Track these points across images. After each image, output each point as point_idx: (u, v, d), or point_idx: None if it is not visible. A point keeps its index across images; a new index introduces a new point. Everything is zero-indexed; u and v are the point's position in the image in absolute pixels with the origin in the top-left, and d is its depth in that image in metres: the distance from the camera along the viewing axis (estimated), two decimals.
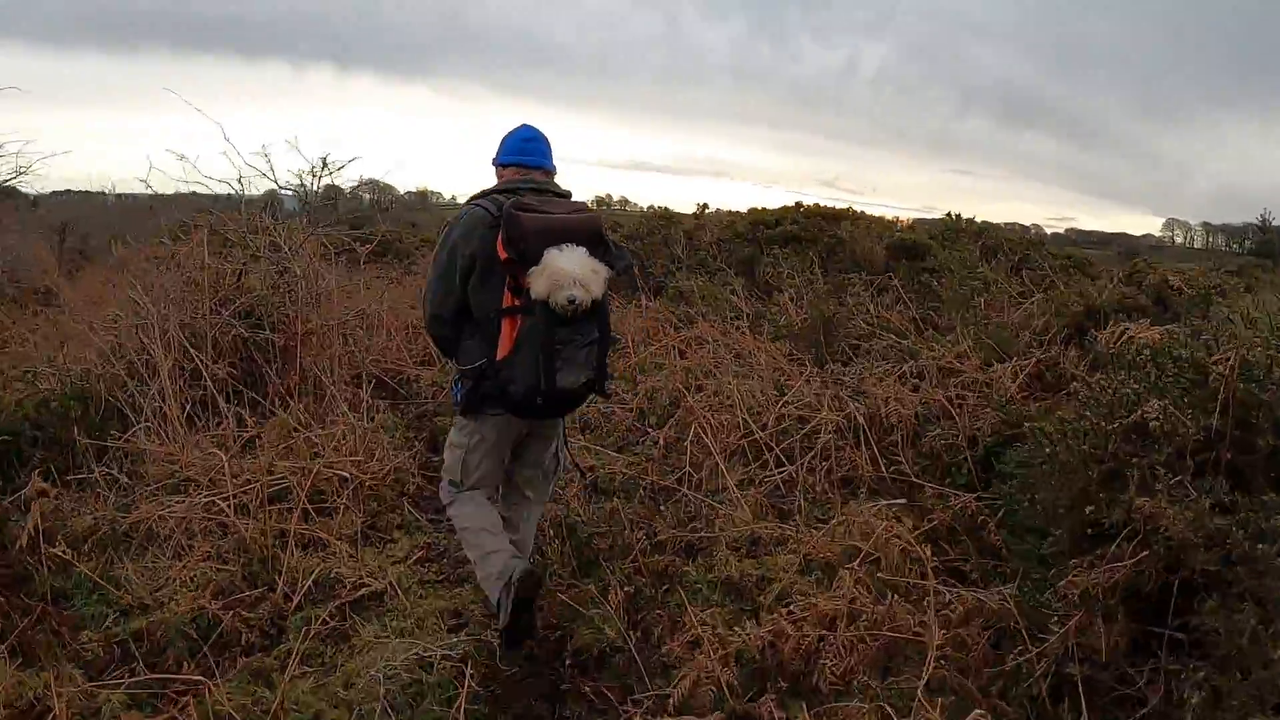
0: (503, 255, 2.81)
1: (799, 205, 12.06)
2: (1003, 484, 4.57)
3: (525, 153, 3.17)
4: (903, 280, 10.96)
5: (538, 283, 2.75)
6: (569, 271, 2.74)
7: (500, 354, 2.86)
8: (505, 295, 2.87)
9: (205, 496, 4.67)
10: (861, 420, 5.09)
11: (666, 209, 12.20)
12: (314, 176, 6.23)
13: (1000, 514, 4.24)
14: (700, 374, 6.79)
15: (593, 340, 2.92)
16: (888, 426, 5.26)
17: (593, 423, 6.28)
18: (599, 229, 2.99)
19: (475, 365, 2.96)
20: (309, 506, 4.61)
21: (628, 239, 12.08)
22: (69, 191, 20.66)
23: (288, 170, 6.26)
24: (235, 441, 5.16)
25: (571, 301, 2.74)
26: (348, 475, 4.89)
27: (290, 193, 6.19)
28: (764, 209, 12.29)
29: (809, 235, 11.10)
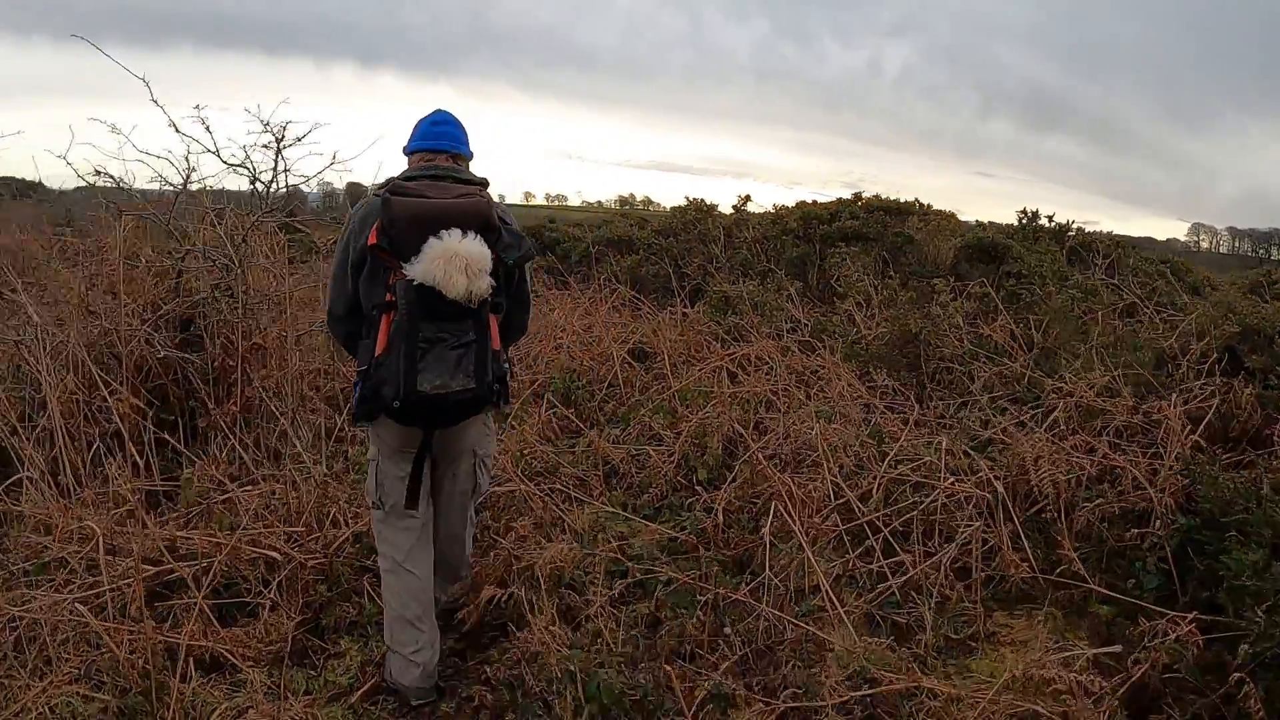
0: (371, 240, 2.56)
1: (857, 197, 10.51)
2: (1230, 599, 3.09)
3: (429, 136, 2.92)
4: (982, 287, 9.45)
5: (418, 267, 2.50)
6: (460, 250, 2.50)
7: (377, 351, 2.62)
8: (385, 289, 2.61)
9: (77, 587, 3.32)
10: (1000, 488, 3.61)
11: (701, 200, 10.68)
12: (274, 149, 4.82)
13: (1249, 659, 2.75)
14: (759, 405, 5.34)
15: (467, 342, 2.62)
16: (1033, 496, 3.79)
17: (619, 469, 4.85)
18: (485, 214, 2.66)
19: (363, 368, 2.69)
20: (212, 605, 3.24)
21: (659, 234, 10.61)
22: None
23: (233, 142, 4.84)
24: (136, 501, 3.78)
25: (454, 288, 2.50)
26: (278, 556, 3.49)
27: (247, 174, 4.80)
28: (815, 202, 10.77)
29: (871, 232, 9.56)
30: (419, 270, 2.53)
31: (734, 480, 4.06)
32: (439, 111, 3.00)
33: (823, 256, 9.83)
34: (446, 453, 3.00)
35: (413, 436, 2.83)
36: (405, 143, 2.98)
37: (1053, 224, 11.88)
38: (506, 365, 2.87)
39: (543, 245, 14.66)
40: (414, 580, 2.93)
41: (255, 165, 4.78)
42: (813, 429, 4.15)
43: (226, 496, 3.76)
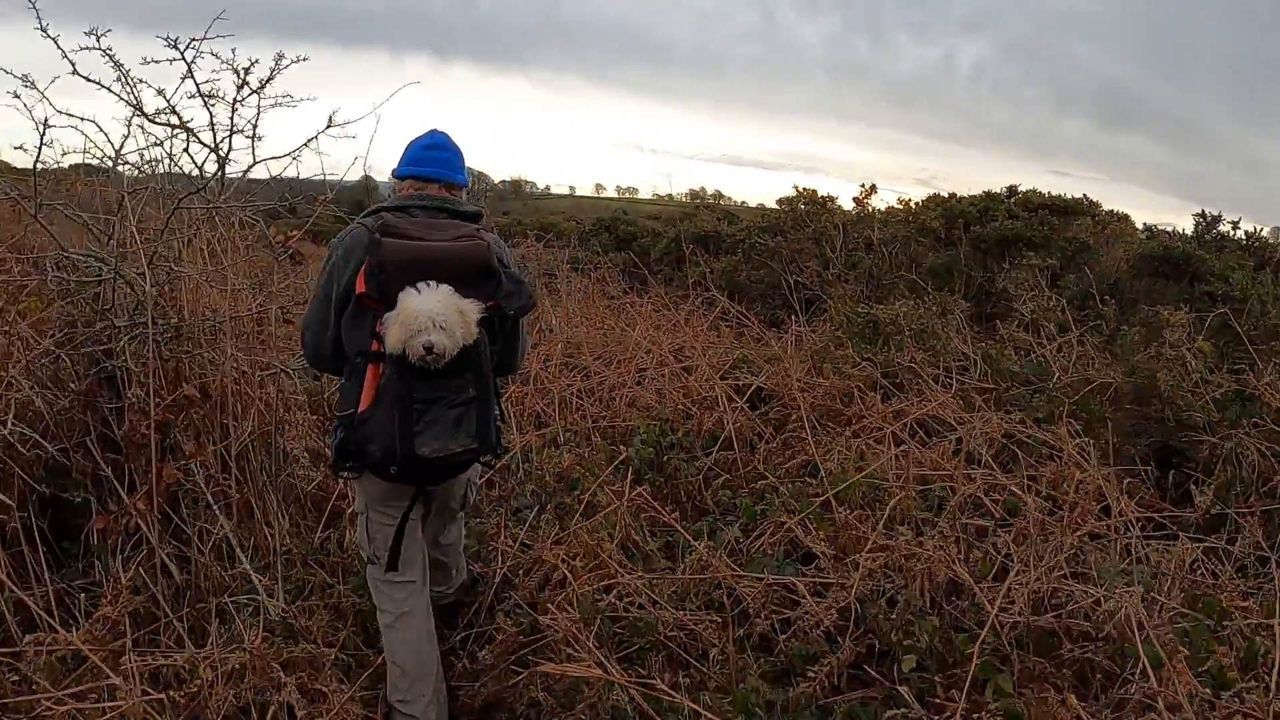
0: (359, 289, 2.30)
1: (1012, 191, 8.44)
2: None
3: (423, 162, 2.61)
4: (1172, 310, 7.34)
5: (391, 332, 2.24)
6: (423, 311, 2.21)
7: (362, 407, 2.33)
8: (370, 337, 2.34)
9: None
10: None
11: (813, 192, 8.75)
12: (236, 99, 3.13)
13: None
14: (965, 511, 3.45)
15: (467, 399, 2.34)
16: None
17: (750, 611, 3.04)
18: (484, 260, 2.38)
19: (346, 414, 2.39)
20: None
21: (763, 232, 8.70)
22: None
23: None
24: None
25: (429, 349, 2.20)
26: None
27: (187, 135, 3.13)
28: (959, 196, 8.70)
29: (1037, 236, 7.51)
30: (389, 341, 2.24)
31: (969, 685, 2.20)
32: (434, 133, 2.71)
33: (978, 265, 7.80)
34: (438, 497, 2.78)
35: (400, 489, 2.57)
36: (395, 165, 2.69)
37: (1237, 230, 9.62)
38: (498, 414, 2.58)
39: (618, 240, 12.95)
40: (415, 633, 2.66)
41: (215, 128, 3.09)
42: (1118, 603, 2.26)
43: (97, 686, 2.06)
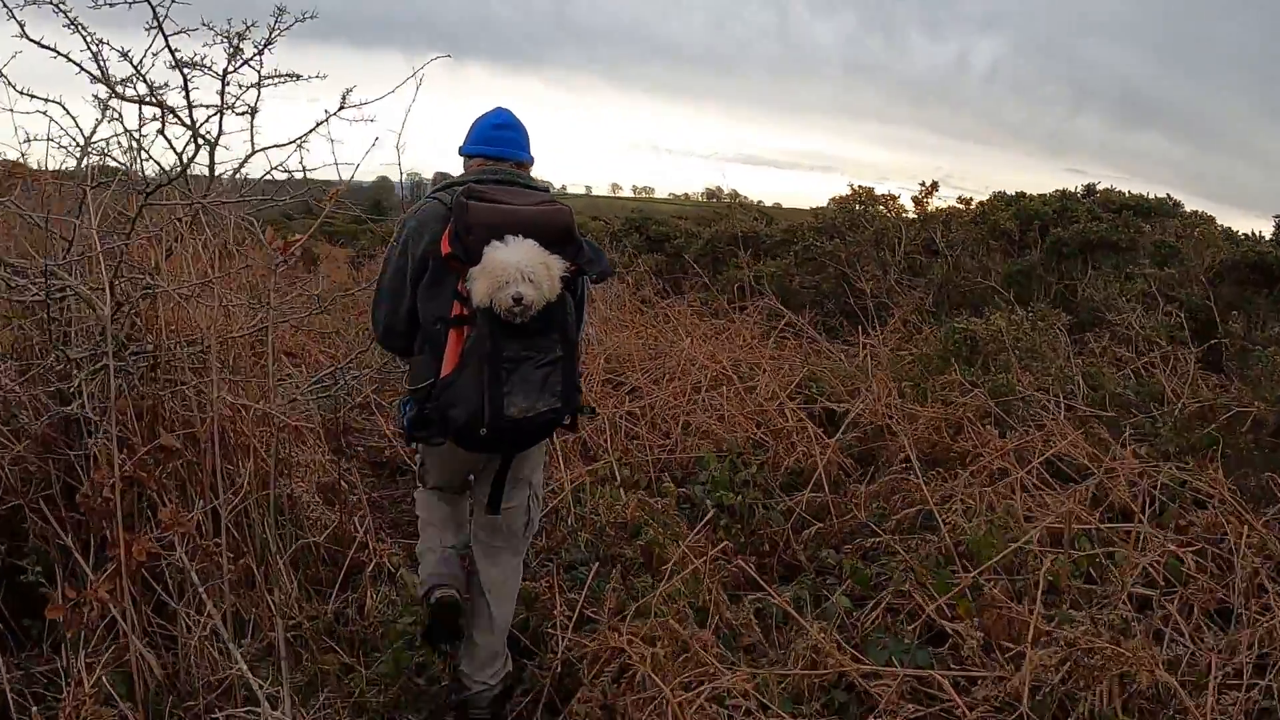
0: (444, 250, 2.28)
1: (1090, 190, 7.70)
2: None
3: (494, 141, 2.60)
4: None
5: (477, 284, 2.20)
6: (510, 263, 2.18)
7: (444, 371, 2.30)
8: (453, 302, 2.31)
9: None
10: None
11: (869, 190, 8.04)
12: (228, 70, 2.49)
13: None
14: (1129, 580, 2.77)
15: (554, 359, 2.30)
16: None
17: None
18: (568, 225, 2.38)
19: (423, 385, 2.37)
20: None
21: (819, 233, 8.00)
22: None
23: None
24: None
25: (517, 301, 2.17)
26: None
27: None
28: (1030, 195, 7.95)
29: (1123, 240, 6.78)
30: (476, 293, 2.20)
31: None
32: (501, 111, 2.66)
33: (1053, 270, 7.08)
34: (510, 479, 2.60)
35: (471, 462, 2.60)
36: (461, 143, 2.66)
37: None
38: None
39: (648, 241, 12.29)
40: (433, 521, 2.76)
41: (193, 104, 2.44)
42: None
43: None
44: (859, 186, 8.16)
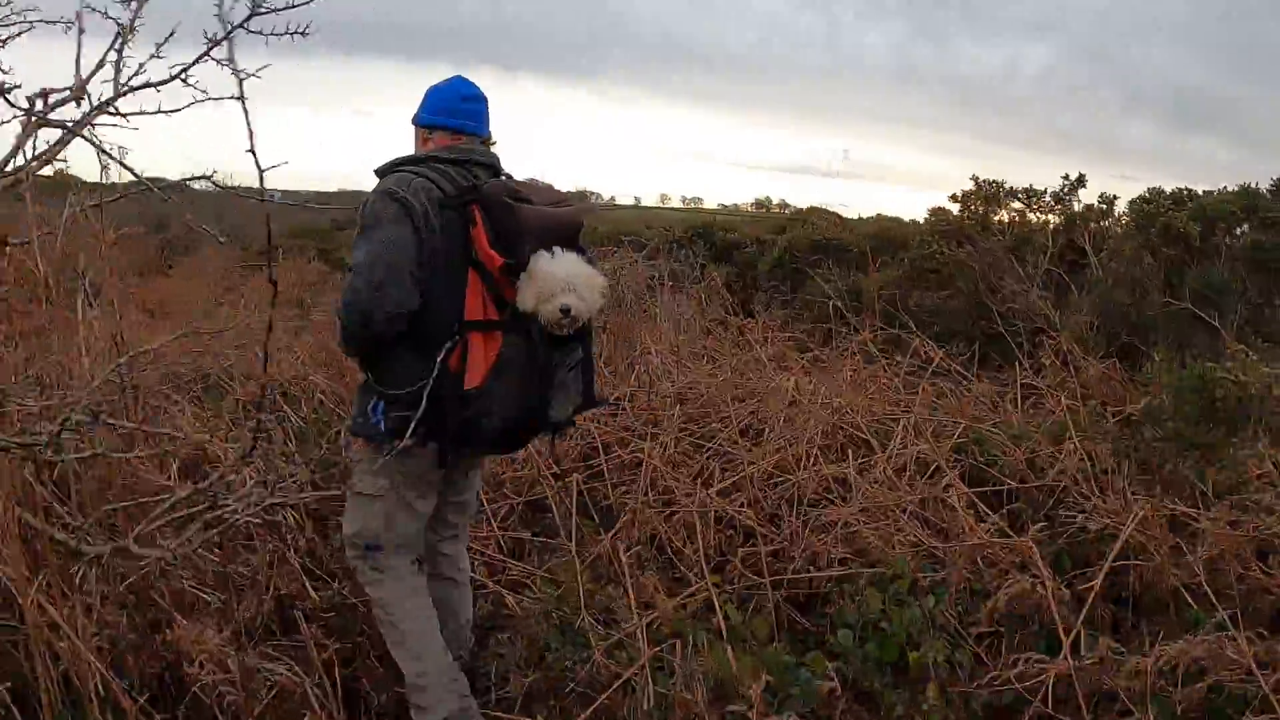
0: (497, 260, 2.16)
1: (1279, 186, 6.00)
2: None
3: (460, 114, 2.42)
4: None
5: (525, 294, 2.17)
6: (560, 275, 2.18)
7: (472, 380, 2.20)
8: (476, 304, 2.22)
9: None
10: None
11: (999, 184, 6.46)
12: None
13: None
14: None
15: (579, 360, 2.32)
16: None
17: None
18: (581, 226, 2.39)
19: (414, 388, 2.17)
20: None
21: (940, 238, 6.44)
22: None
23: None
24: None
25: (565, 313, 2.17)
26: None
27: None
28: (1208, 192, 6.30)
29: None
30: (525, 301, 2.17)
31: None
32: (462, 80, 2.48)
33: (1243, 284, 5.43)
34: (470, 471, 2.62)
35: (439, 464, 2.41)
36: (417, 112, 2.46)
37: None
38: None
39: (714, 250, 10.80)
40: (425, 610, 2.41)
41: None
42: None
43: None
44: (985, 179, 6.58)
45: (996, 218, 6.56)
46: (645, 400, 4.30)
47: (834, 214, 13.05)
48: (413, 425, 2.15)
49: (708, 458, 3.70)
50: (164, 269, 13.10)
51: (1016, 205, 6.46)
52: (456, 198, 2.21)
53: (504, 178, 2.34)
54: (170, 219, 14.37)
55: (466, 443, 2.28)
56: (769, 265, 9.22)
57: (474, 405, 2.17)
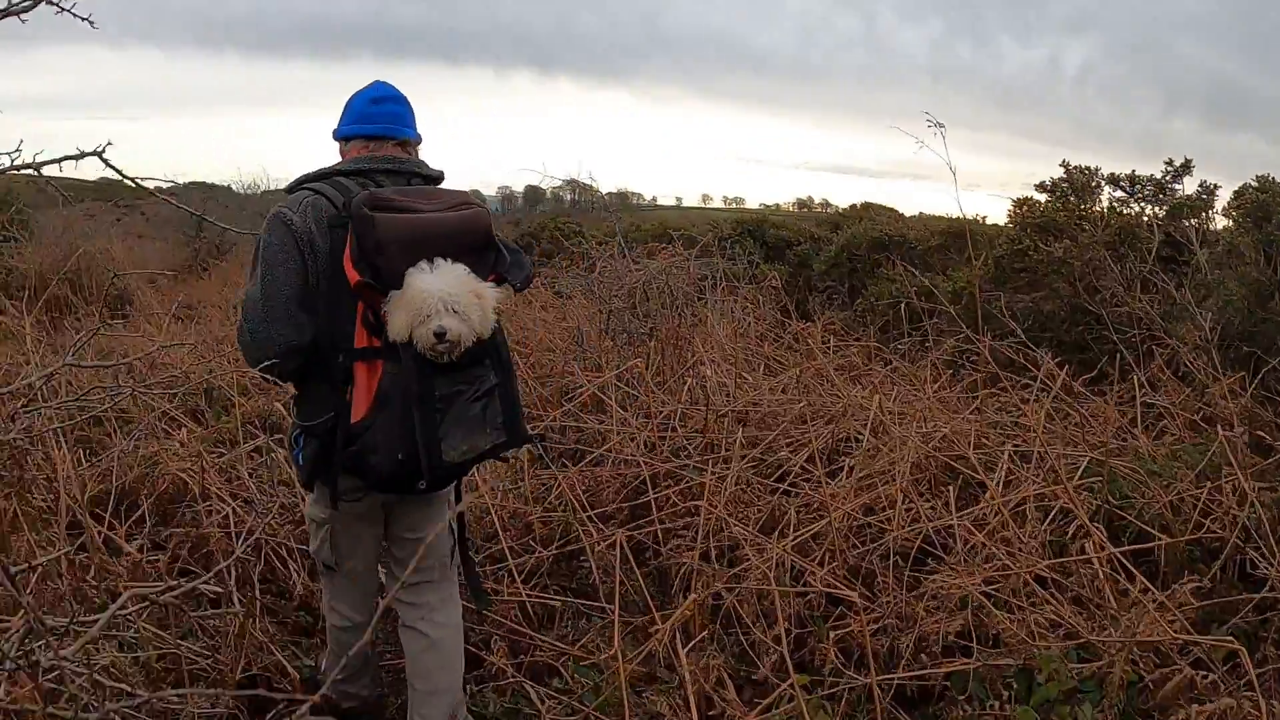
0: (353, 278, 1.92)
1: None
2: None
3: (371, 118, 2.21)
4: None
5: (395, 317, 1.92)
6: (434, 292, 1.90)
7: (356, 414, 1.98)
8: (362, 331, 1.99)
9: None
10: None
11: (1091, 170, 5.72)
12: None
13: None
14: None
15: (490, 389, 2.04)
16: None
17: None
18: (488, 228, 2.12)
19: (322, 420, 2.02)
20: None
21: (1039, 232, 5.72)
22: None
23: None
24: None
25: (440, 337, 1.90)
26: None
27: None
28: None
29: None
30: (394, 327, 1.92)
31: None
32: (379, 84, 2.27)
33: None
34: (425, 507, 2.28)
35: (387, 502, 2.20)
36: (335, 126, 2.26)
37: None
38: None
39: (766, 248, 10.11)
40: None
41: None
42: None
43: None
44: (1076, 165, 5.83)
45: (1093, 208, 5.81)
46: (700, 420, 3.71)
47: (889, 209, 12.31)
48: (318, 464, 2.04)
49: (778, 495, 3.10)
50: (199, 271, 12.84)
51: (1118, 194, 5.72)
52: (341, 213, 2.01)
53: (414, 183, 2.13)
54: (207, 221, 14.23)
55: (373, 485, 2.04)
56: (825, 264, 8.53)
57: (361, 442, 1.96)
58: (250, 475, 3.16)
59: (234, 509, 2.86)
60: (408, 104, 2.27)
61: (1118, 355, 5.02)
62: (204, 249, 14.40)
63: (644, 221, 13.60)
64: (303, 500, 2.60)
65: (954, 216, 9.87)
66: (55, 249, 8.10)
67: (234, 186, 17.68)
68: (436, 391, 1.96)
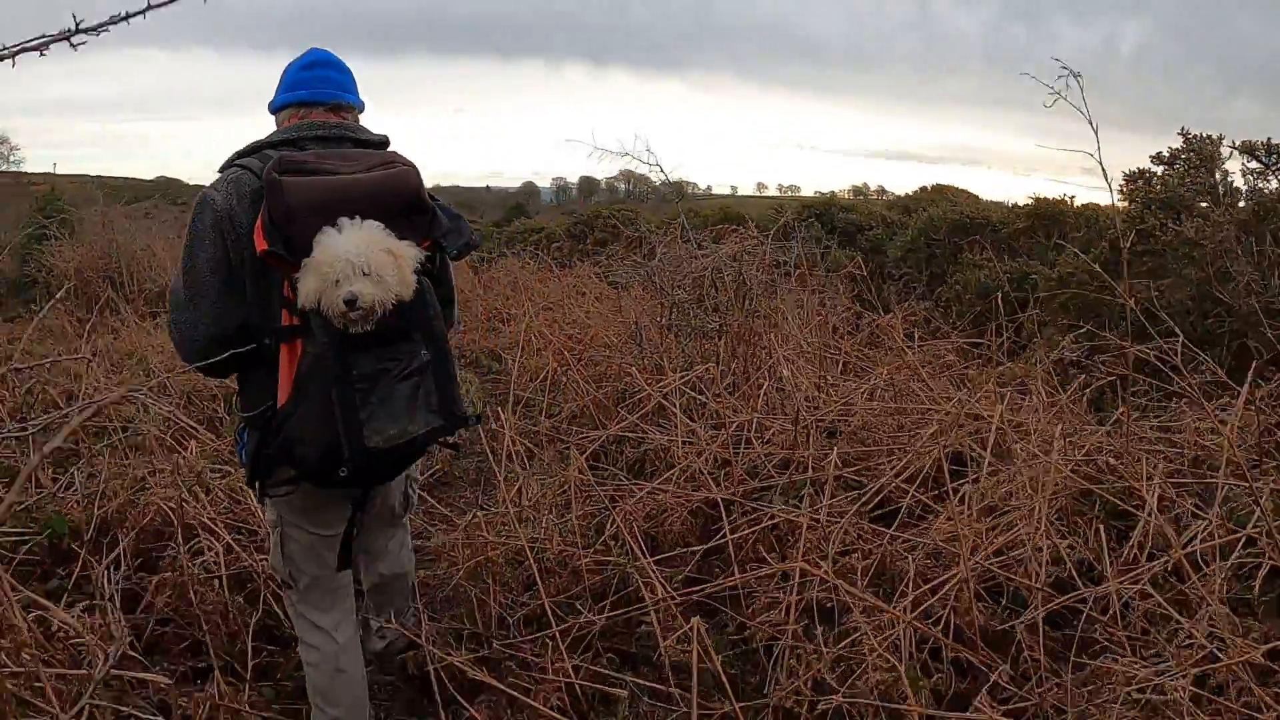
0: (260, 246, 1.75)
1: None
2: None
3: (302, 84, 2.03)
4: None
5: (303, 283, 1.73)
6: (341, 254, 1.70)
7: (280, 399, 1.81)
8: (283, 309, 1.81)
9: None
10: None
11: (1211, 137, 4.97)
12: None
13: None
14: None
15: (420, 365, 1.84)
16: None
17: None
18: (416, 189, 1.90)
19: (261, 409, 1.89)
20: None
21: (1163, 209, 5.01)
22: None
23: None
24: None
25: (350, 304, 1.70)
26: None
27: None
28: None
29: None
30: (303, 294, 1.73)
31: None
32: (312, 50, 2.10)
33: None
34: (374, 502, 2.16)
35: (334, 496, 2.00)
36: (270, 99, 2.10)
37: None
38: None
39: (835, 233, 9.43)
40: (353, 668, 2.10)
41: None
42: None
43: None
44: (1196, 134, 5.07)
45: (1221, 180, 5.05)
46: (780, 431, 3.16)
47: (964, 192, 11.52)
48: (257, 458, 1.89)
49: (890, 541, 2.52)
50: None
51: (1254, 165, 4.95)
52: (263, 187, 1.82)
53: (344, 147, 1.94)
54: None
55: (306, 478, 1.86)
56: (901, 249, 7.85)
57: (284, 430, 1.80)
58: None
59: (230, 543, 2.41)
60: (343, 68, 2.10)
61: (1254, 351, 4.32)
62: None
63: (702, 208, 13.03)
64: None
65: (1038, 198, 9.08)
66: (95, 246, 7.92)
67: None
68: (355, 370, 1.77)
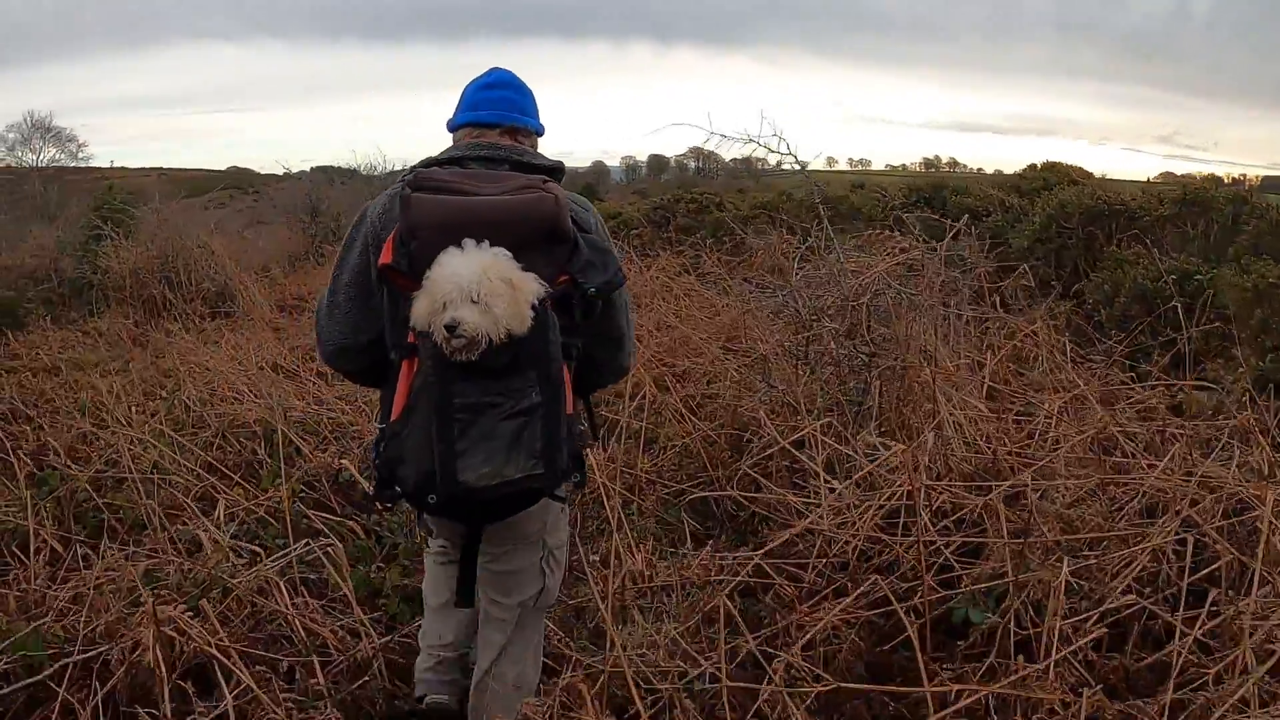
0: (384, 259, 1.76)
1: None
2: None
3: (478, 105, 2.05)
4: None
5: (417, 304, 1.72)
6: (452, 277, 1.66)
7: (393, 415, 1.81)
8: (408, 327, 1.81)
9: None
10: None
11: None
12: None
13: None
14: None
15: (528, 407, 1.72)
16: None
17: None
18: (552, 219, 1.77)
19: (384, 425, 1.90)
20: None
21: None
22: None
23: None
24: None
25: (451, 330, 1.64)
26: None
27: None
28: None
29: None
30: (414, 316, 1.72)
31: None
32: (494, 70, 2.12)
33: None
34: (498, 540, 2.03)
35: (446, 524, 2.11)
36: (450, 117, 2.13)
37: None
38: (582, 429, 1.98)
39: (946, 219, 8.50)
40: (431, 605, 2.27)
41: None
42: None
43: None
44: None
45: None
46: (954, 502, 2.42)
47: (1077, 169, 10.41)
48: (377, 475, 1.85)
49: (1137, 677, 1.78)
50: (316, 258, 12.30)
51: None
52: None
53: (484, 169, 1.86)
54: (323, 205, 13.65)
55: (412, 503, 1.84)
56: (1028, 239, 6.93)
57: (389, 448, 1.77)
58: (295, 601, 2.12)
59: (250, 683, 1.80)
60: (524, 89, 2.10)
61: None
62: (320, 234, 13.95)
63: (793, 190, 12.22)
64: None
65: (1198, 175, 8.00)
66: (151, 246, 7.57)
67: (361, 169, 17.32)
68: (458, 399, 1.70)
